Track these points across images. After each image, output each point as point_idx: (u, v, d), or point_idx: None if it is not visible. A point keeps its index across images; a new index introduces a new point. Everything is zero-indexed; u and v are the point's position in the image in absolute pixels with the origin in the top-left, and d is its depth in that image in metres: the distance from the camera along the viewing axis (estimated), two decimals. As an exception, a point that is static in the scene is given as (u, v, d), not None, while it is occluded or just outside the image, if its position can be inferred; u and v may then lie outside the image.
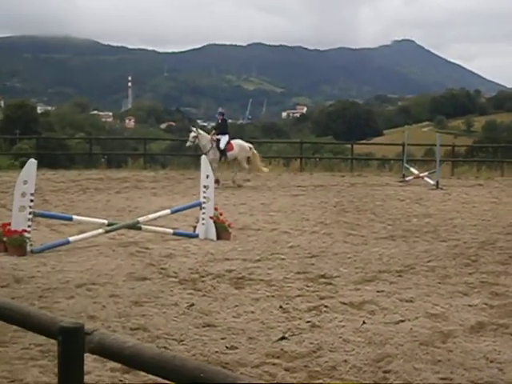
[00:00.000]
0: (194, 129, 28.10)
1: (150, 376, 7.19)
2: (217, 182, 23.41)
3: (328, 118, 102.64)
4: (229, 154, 27.43)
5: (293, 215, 19.89)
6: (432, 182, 28.29)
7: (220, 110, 29.22)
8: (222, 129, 27.94)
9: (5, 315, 4.22)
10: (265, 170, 29.12)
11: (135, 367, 3.45)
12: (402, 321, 9.48)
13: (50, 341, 8.16)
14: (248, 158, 27.94)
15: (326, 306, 10.16)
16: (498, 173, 34.73)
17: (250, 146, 28.49)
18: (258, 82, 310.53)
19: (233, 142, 27.85)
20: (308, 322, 9.42)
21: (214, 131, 28.05)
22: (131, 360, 3.33)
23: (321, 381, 7.40)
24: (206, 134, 28.00)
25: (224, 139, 27.43)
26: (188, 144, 28.00)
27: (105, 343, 3.43)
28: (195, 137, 27.31)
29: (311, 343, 8.53)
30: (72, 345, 3.48)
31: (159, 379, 7.12)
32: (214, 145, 27.16)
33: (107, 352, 3.44)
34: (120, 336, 3.58)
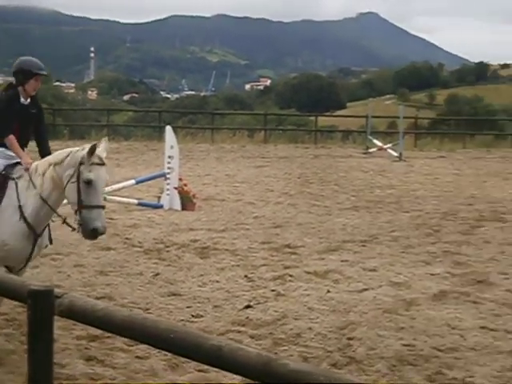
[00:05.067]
0: None
1: (117, 344, 7.30)
2: None
3: (292, 90, 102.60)
4: None
5: (257, 186, 19.94)
6: (395, 153, 28.44)
7: None
8: None
9: (-28, 280, 4.21)
10: None
11: (106, 329, 3.46)
12: (366, 289, 9.61)
13: (14, 310, 8.19)
14: None
15: (290, 275, 10.25)
16: (460, 145, 34.94)
17: None
18: (222, 53, 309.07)
19: None
20: (273, 290, 9.51)
21: None
22: (102, 322, 3.34)
23: (286, 347, 7.49)
24: None
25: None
26: None
27: (75, 306, 3.44)
28: None
29: (276, 311, 8.61)
30: (42, 308, 3.48)
31: (125, 346, 7.20)
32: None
33: (77, 315, 3.45)
34: (90, 299, 3.60)
